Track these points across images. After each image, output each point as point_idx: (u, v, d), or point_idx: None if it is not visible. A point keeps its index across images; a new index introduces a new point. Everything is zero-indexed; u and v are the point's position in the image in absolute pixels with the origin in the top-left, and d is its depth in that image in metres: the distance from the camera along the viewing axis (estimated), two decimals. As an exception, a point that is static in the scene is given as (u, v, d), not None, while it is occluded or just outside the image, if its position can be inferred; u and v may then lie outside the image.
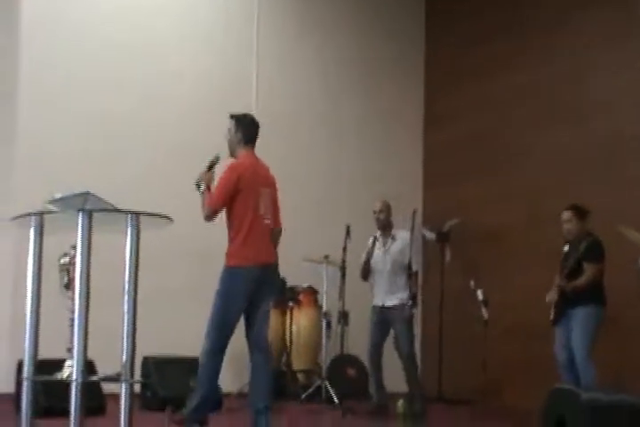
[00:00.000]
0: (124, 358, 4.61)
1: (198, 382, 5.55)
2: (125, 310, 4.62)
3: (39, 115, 7.75)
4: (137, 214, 4.57)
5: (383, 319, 7.45)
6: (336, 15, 9.74)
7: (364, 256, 7.60)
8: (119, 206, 4.56)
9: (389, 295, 7.45)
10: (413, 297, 7.35)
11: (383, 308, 7.46)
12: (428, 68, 10.27)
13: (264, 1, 9.19)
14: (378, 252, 7.57)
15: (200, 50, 8.79)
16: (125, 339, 4.61)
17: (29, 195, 7.08)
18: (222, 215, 5.63)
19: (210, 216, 5.53)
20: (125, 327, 4.62)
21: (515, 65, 9.19)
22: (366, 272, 7.60)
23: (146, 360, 7.08)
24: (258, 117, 8.65)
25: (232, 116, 5.86)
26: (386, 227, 7.57)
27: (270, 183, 5.85)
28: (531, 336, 8.39)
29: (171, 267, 8.02)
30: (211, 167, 5.64)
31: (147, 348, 6.90)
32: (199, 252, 7.99)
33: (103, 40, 8.17)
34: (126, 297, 4.61)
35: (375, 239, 7.60)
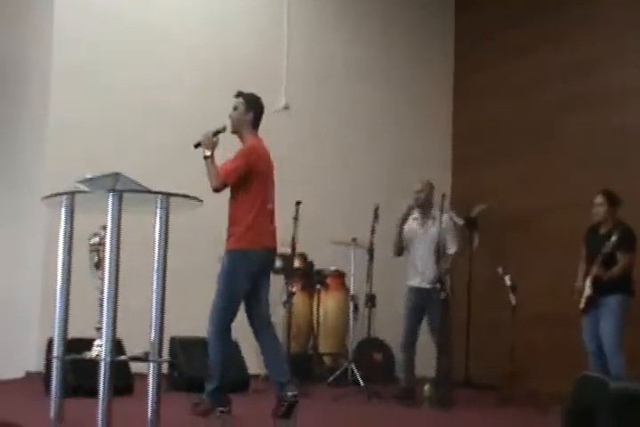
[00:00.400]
0: (153, 337, 4.65)
1: (212, 366, 5.57)
2: (154, 290, 4.65)
3: (70, 97, 7.79)
4: (167, 195, 4.61)
5: (419, 302, 7.32)
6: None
7: (396, 230, 7.47)
8: (150, 187, 4.62)
9: (425, 277, 7.32)
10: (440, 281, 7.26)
11: (419, 289, 7.34)
12: (458, 51, 10.21)
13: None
14: (416, 231, 7.43)
15: (229, 34, 8.77)
16: (154, 319, 4.65)
17: (60, 176, 7.18)
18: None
19: (219, 188, 5.51)
20: (154, 307, 4.66)
21: (544, 47, 9.12)
22: (399, 247, 7.47)
23: (173, 341, 7.12)
24: (288, 102, 8.82)
25: (242, 95, 5.80)
26: (425, 207, 7.42)
27: (273, 168, 5.82)
28: (558, 322, 8.37)
29: (197, 247, 8.02)
30: (215, 134, 5.61)
31: (173, 329, 7.06)
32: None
33: (132, 23, 8.19)
34: (155, 277, 4.65)
35: (408, 214, 7.45)
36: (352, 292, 8.27)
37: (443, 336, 7.17)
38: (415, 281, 7.37)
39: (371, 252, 8.00)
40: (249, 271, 5.52)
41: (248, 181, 5.54)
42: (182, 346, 7.19)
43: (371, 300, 8.07)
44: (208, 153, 5.52)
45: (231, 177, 5.50)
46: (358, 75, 9.56)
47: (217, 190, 5.52)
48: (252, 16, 8.95)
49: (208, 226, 8.07)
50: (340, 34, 9.48)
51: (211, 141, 5.55)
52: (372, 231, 7.95)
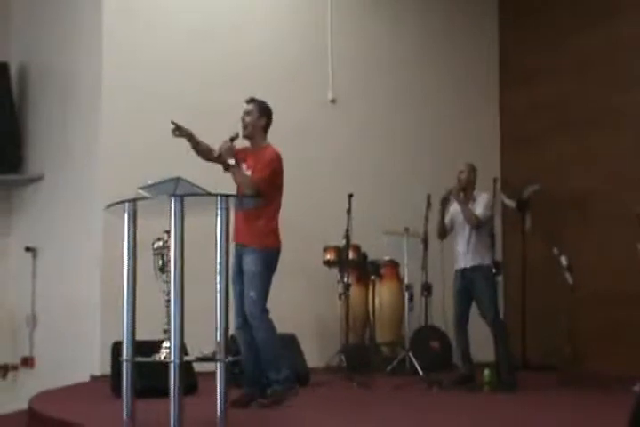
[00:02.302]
0: (219, 337, 4.75)
1: (270, 357, 5.82)
2: (218, 290, 4.75)
3: (122, 102, 7.87)
4: (226, 196, 4.72)
5: (465, 283, 7.33)
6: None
7: (438, 215, 7.56)
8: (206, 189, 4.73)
9: (469, 256, 7.32)
10: (495, 263, 7.29)
11: (465, 270, 7.34)
12: (503, 30, 10.16)
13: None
14: (458, 214, 7.46)
15: (273, 27, 8.81)
16: (219, 319, 4.75)
17: (115, 181, 7.32)
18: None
19: (256, 193, 5.70)
20: (218, 307, 4.75)
21: (595, 24, 9.03)
22: (441, 230, 7.50)
23: (233, 339, 7.20)
24: (334, 91, 8.86)
25: (254, 101, 6.10)
26: (467, 188, 7.44)
27: None
28: (617, 302, 8.39)
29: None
30: (232, 140, 5.81)
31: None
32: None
33: (184, 25, 8.27)
34: (218, 277, 4.75)
35: (447, 198, 7.45)
36: (406, 281, 8.32)
37: (494, 318, 7.20)
38: (459, 264, 7.41)
39: (425, 241, 8.06)
40: (274, 268, 5.89)
41: (272, 183, 5.86)
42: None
43: (427, 289, 8.13)
44: (232, 161, 5.78)
45: (264, 185, 5.77)
46: (403, 63, 9.56)
47: (255, 195, 5.73)
48: (295, 14, 8.97)
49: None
50: (384, 24, 9.48)
51: (231, 150, 5.80)
52: (426, 220, 8.02)
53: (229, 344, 6.97)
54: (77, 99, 8.36)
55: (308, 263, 8.30)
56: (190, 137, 5.84)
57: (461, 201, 7.36)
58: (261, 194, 5.69)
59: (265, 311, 5.82)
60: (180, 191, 4.58)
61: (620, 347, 8.27)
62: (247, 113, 6.02)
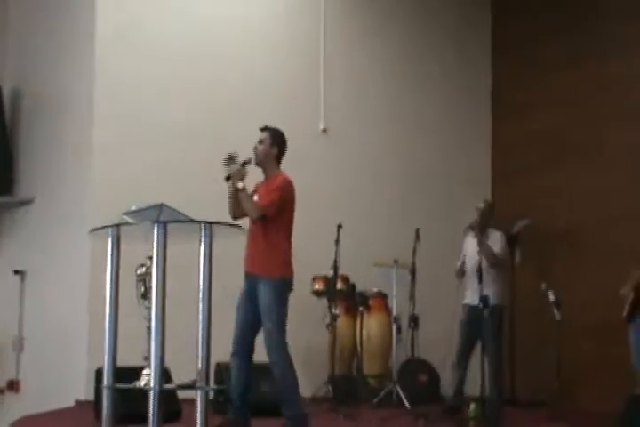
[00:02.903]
0: (200, 365, 4.74)
1: (286, 390, 5.75)
2: (200, 318, 4.76)
3: (113, 129, 7.90)
4: (210, 224, 4.72)
5: (473, 319, 7.39)
6: (403, 10, 9.74)
7: (460, 257, 7.71)
8: (192, 216, 4.73)
9: (478, 294, 7.22)
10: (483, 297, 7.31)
11: (473, 306, 7.39)
12: (496, 61, 10.20)
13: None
14: (471, 249, 7.56)
15: (264, 57, 8.83)
16: (200, 346, 4.76)
17: (105, 207, 7.32)
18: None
19: (262, 217, 5.73)
20: (200, 334, 4.76)
21: (588, 58, 9.10)
22: (462, 272, 7.65)
23: (219, 366, 7.18)
24: (327, 118, 8.87)
25: (267, 129, 6.07)
26: (483, 226, 7.57)
27: None
28: (606, 337, 8.35)
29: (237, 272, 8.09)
30: (243, 165, 5.80)
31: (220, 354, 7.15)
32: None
33: (175, 52, 8.29)
34: (200, 305, 4.76)
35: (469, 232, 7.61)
36: (395, 313, 8.29)
37: (494, 355, 7.20)
38: (468, 299, 7.51)
39: (413, 273, 8.06)
40: (288, 297, 5.84)
41: (282, 212, 5.81)
42: (228, 372, 7.22)
43: (414, 320, 8.09)
44: (241, 185, 5.73)
45: (270, 210, 5.74)
46: (396, 95, 9.59)
47: (258, 220, 5.74)
48: (288, 43, 9.01)
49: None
50: (376, 55, 9.52)
51: (241, 173, 5.76)
52: (414, 252, 8.02)
53: (217, 372, 7.10)
54: (69, 123, 8.40)
55: (297, 292, 8.23)
56: (236, 177, 5.74)
57: (480, 237, 7.42)
58: (267, 218, 5.69)
59: (283, 345, 5.73)
60: (163, 218, 4.59)
61: (609, 381, 8.23)
62: (260, 141, 5.98)
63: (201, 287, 4.77)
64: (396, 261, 8.28)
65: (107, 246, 4.99)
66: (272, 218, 5.72)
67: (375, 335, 8.56)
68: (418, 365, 8.46)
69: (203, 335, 4.77)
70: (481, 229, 7.52)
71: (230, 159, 5.79)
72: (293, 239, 5.89)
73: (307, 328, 8.45)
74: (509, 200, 9.62)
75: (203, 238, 4.75)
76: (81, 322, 7.59)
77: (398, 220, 9.09)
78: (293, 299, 8.16)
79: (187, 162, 8.14)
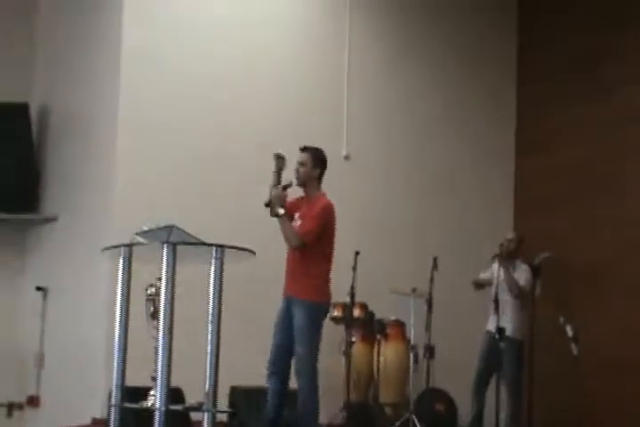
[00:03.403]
0: (207, 387, 4.76)
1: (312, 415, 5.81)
2: (209, 340, 4.78)
3: (136, 151, 7.98)
4: (221, 247, 4.75)
5: (493, 347, 7.45)
6: (429, 38, 9.70)
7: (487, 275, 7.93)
8: (208, 239, 4.76)
9: (501, 322, 7.46)
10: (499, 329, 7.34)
11: (495, 334, 7.46)
12: (520, 95, 10.10)
13: (355, 24, 9.20)
14: (498, 278, 7.67)
15: (286, 79, 8.82)
16: (208, 368, 4.78)
17: (126, 225, 7.36)
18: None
19: (301, 245, 5.78)
20: (209, 357, 4.79)
21: (609, 91, 9.05)
22: (479, 284, 7.87)
23: (234, 390, 7.19)
24: (349, 145, 8.87)
25: (308, 150, 6.06)
26: (510, 257, 7.64)
27: None
28: (627, 373, 8.27)
29: (259, 294, 8.09)
30: (284, 189, 5.83)
31: (236, 378, 7.15)
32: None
33: (201, 72, 8.34)
34: (210, 327, 4.77)
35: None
36: (412, 342, 8.26)
37: (514, 386, 7.18)
38: (491, 325, 7.54)
39: (429, 302, 8.05)
40: (323, 322, 5.93)
41: (321, 238, 5.87)
42: (244, 395, 7.24)
43: (429, 350, 8.06)
44: (282, 211, 5.75)
45: (309, 238, 5.79)
46: (420, 123, 9.54)
47: (299, 247, 5.81)
48: (310, 67, 8.99)
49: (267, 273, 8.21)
50: (402, 81, 9.47)
51: (282, 198, 5.77)
52: (431, 281, 8.02)
53: (231, 395, 7.10)
54: (94, 141, 8.47)
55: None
56: (277, 202, 5.80)
57: (507, 267, 7.44)
58: (307, 246, 5.72)
59: (312, 371, 5.78)
60: (172, 239, 4.62)
61: (627, 420, 8.12)
62: (301, 164, 5.98)
63: (210, 309, 4.80)
64: (414, 290, 8.27)
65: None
66: (310, 245, 5.77)
67: (392, 363, 8.51)
68: (435, 394, 8.41)
69: (211, 357, 4.80)
70: (507, 259, 7.54)
71: (280, 158, 5.81)
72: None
73: (324, 355, 8.38)
74: (531, 233, 9.57)
75: (213, 261, 4.77)
76: (99, 340, 7.63)
77: (418, 249, 9.03)
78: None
79: (209, 183, 8.19)
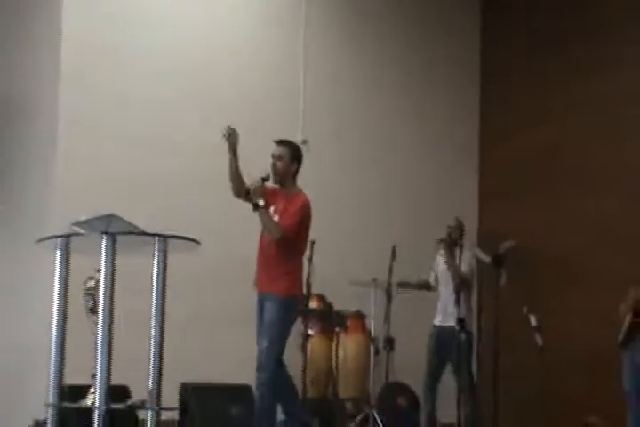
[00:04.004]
0: (150, 384, 4.68)
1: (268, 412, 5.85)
2: (152, 336, 4.69)
3: (78, 137, 7.84)
4: (164, 237, 4.66)
5: (440, 342, 7.48)
6: (388, 17, 9.74)
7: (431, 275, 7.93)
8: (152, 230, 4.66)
9: (447, 316, 7.52)
10: (459, 319, 7.34)
11: (441, 328, 7.53)
12: (485, 77, 10.20)
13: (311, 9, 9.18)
14: (441, 269, 7.66)
15: (240, 65, 8.81)
16: (152, 364, 4.69)
17: (68, 219, 7.26)
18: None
19: (281, 238, 5.83)
20: (152, 353, 4.69)
21: (580, 74, 9.09)
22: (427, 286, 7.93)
23: (184, 387, 7.12)
24: (306, 133, 8.84)
25: (286, 144, 6.07)
26: (451, 245, 7.60)
27: None
28: (596, 366, 8.29)
29: (215, 290, 8.06)
30: (263, 181, 5.85)
31: (188, 375, 7.09)
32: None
33: (144, 61, 8.25)
34: (153, 322, 4.69)
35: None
36: (373, 334, 8.22)
37: (464, 380, 7.17)
38: (437, 320, 7.58)
39: (388, 293, 7.99)
40: (295, 319, 6.04)
41: (299, 232, 5.97)
42: (195, 392, 7.16)
43: (389, 343, 8.03)
44: (262, 202, 5.78)
45: (292, 232, 5.86)
46: (379, 107, 9.55)
47: (279, 240, 5.84)
48: (265, 51, 9.00)
49: (227, 266, 8.15)
50: (360, 65, 9.51)
51: (260, 190, 5.80)
52: (390, 271, 7.96)
53: (182, 392, 7.03)
54: (34, 131, 8.32)
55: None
56: (234, 150, 5.84)
57: (449, 256, 7.42)
58: (285, 240, 5.76)
59: (273, 366, 5.79)
60: (112, 229, 4.53)
61: (597, 414, 8.14)
62: (279, 158, 5.98)
63: (153, 304, 4.70)
64: (374, 280, 8.22)
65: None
66: (289, 240, 5.81)
67: (352, 357, 8.47)
68: (397, 388, 8.40)
69: (155, 353, 4.70)
70: (452, 246, 7.54)
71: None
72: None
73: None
74: (497, 222, 9.59)
75: (156, 253, 4.68)
76: (40, 339, 7.51)
77: (378, 237, 8.99)
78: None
79: (153, 174, 8.08)
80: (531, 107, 9.55)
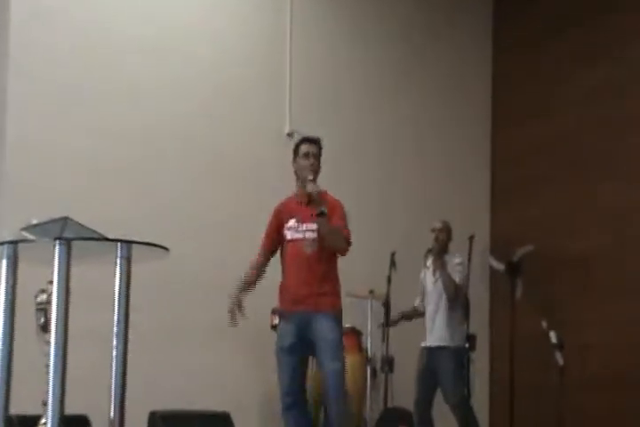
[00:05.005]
0: (112, 414, 4.52)
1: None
2: (114, 356, 4.52)
3: (29, 127, 7.71)
4: (128, 243, 4.50)
5: (429, 364, 7.47)
6: (387, 9, 9.74)
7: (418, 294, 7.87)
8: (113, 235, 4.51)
9: (437, 333, 7.51)
10: (469, 337, 7.32)
11: (431, 349, 7.50)
12: (496, 70, 10.26)
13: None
14: (429, 283, 7.61)
15: (223, 53, 8.81)
16: (114, 391, 4.51)
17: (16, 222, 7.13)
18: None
19: (344, 250, 6.02)
20: (114, 377, 4.51)
21: (595, 64, 9.18)
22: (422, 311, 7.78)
23: (153, 415, 7.06)
24: (291, 125, 8.78)
25: (319, 141, 6.16)
26: (441, 252, 7.51)
27: None
28: (621, 384, 8.28)
29: (188, 304, 7.98)
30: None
31: (157, 401, 7.00)
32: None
33: (108, 39, 8.14)
34: (115, 341, 4.52)
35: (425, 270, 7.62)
36: (370, 354, 8.09)
37: (459, 407, 7.16)
38: (425, 341, 7.57)
39: (387, 305, 7.86)
40: None
41: None
42: (164, 421, 7.12)
43: (388, 363, 7.90)
44: (325, 209, 5.80)
45: (350, 240, 5.97)
46: (376, 96, 9.55)
47: (343, 253, 6.00)
48: (249, 37, 9.01)
49: (200, 276, 8.04)
50: (354, 50, 9.52)
51: (320, 195, 5.88)
52: (389, 281, 7.85)
53: (150, 421, 6.93)
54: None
55: (252, 328, 8.07)
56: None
57: (440, 265, 7.35)
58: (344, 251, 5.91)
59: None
60: (67, 234, 4.37)
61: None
62: (315, 155, 6.08)
63: (115, 319, 4.53)
64: (371, 292, 8.13)
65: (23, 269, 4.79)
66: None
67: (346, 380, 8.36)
68: (397, 415, 8.28)
69: (117, 377, 4.53)
70: (440, 255, 7.49)
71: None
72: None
73: (264, 370, 8.19)
74: (510, 225, 9.54)
75: (119, 261, 4.52)
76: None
77: (376, 242, 8.89)
78: (249, 336, 8.07)
79: (118, 169, 7.97)
80: (544, 96, 9.57)
